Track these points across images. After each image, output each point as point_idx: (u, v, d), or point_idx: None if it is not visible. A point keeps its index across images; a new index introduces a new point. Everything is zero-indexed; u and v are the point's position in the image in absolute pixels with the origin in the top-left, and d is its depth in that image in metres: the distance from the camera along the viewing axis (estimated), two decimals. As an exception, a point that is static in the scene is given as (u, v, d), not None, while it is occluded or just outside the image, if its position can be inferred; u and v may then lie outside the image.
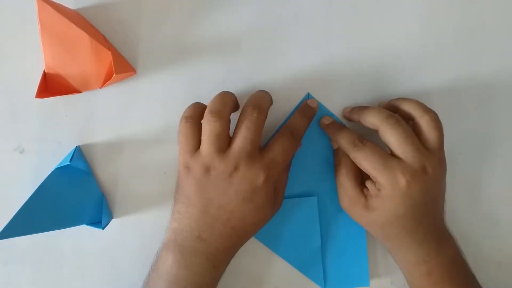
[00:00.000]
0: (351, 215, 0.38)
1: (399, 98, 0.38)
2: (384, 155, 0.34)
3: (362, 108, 0.38)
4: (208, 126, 0.34)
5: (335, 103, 0.41)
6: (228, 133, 0.35)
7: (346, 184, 0.38)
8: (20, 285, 0.41)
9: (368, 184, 0.36)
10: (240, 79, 0.41)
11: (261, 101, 0.36)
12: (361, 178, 0.38)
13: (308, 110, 0.39)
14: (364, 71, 0.41)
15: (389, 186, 0.34)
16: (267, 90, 0.39)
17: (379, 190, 0.35)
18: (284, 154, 0.36)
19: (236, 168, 0.34)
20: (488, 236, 0.41)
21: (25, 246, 0.41)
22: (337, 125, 0.39)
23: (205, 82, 0.41)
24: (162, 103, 0.41)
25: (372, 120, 0.35)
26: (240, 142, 0.34)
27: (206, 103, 0.41)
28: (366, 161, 0.35)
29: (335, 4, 0.41)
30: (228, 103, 0.35)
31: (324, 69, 0.41)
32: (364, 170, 0.35)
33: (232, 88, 0.41)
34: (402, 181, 0.33)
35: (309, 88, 0.41)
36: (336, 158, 0.40)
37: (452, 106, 0.41)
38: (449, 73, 0.41)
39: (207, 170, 0.34)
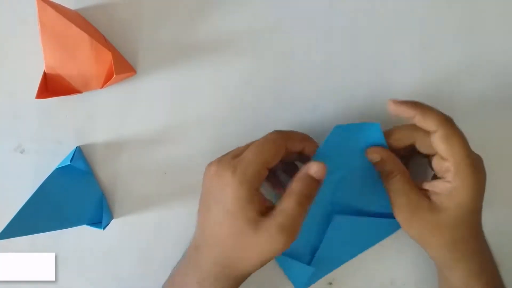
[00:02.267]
0: (412, 226, 0.35)
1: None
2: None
3: (420, 104, 0.34)
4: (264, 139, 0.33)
5: (334, 103, 0.41)
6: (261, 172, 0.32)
7: (407, 189, 0.34)
8: (21, 285, 0.41)
9: (427, 184, 0.35)
10: (239, 79, 0.41)
11: (293, 134, 0.35)
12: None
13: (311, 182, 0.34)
14: (365, 73, 0.41)
15: (471, 177, 0.32)
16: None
17: (451, 182, 0.33)
18: (256, 148, 0.33)
19: (217, 164, 0.33)
20: (488, 236, 0.41)
21: (25, 246, 0.41)
22: (417, 102, 0.34)
23: (205, 82, 0.41)
24: (162, 103, 0.41)
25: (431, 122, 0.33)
26: (248, 152, 0.32)
27: (205, 104, 0.41)
28: (461, 144, 0.32)
29: (335, 4, 0.41)
30: (278, 154, 0.33)
31: (324, 68, 0.41)
32: (444, 153, 0.32)
33: (232, 88, 0.41)
34: (481, 171, 0.33)
35: (309, 87, 0.41)
36: (386, 167, 0.35)
37: (452, 106, 0.41)
38: (449, 73, 0.41)
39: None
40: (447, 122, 0.33)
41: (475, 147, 0.40)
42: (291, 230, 0.31)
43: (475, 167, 0.33)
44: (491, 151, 0.42)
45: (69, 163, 0.38)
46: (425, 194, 0.34)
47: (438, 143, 0.33)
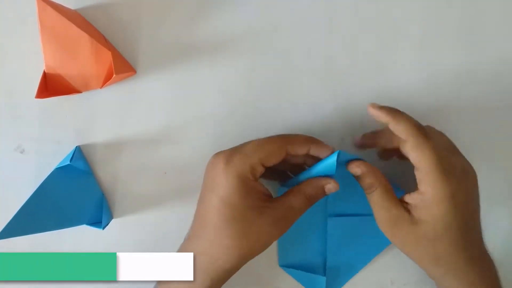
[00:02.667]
0: (395, 239, 0.34)
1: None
2: (443, 152, 0.32)
3: (395, 111, 0.34)
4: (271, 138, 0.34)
5: (334, 103, 0.41)
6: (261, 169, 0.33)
7: (386, 204, 0.34)
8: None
9: (407, 197, 0.34)
10: (240, 79, 0.41)
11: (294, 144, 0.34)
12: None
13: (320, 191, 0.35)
14: (365, 73, 0.41)
15: (440, 188, 0.31)
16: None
17: (423, 193, 0.32)
18: (256, 143, 0.33)
19: (214, 155, 0.34)
20: (488, 236, 0.41)
21: (25, 246, 0.41)
22: (392, 109, 0.34)
23: (205, 82, 0.41)
24: (162, 103, 0.41)
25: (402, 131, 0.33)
26: (250, 143, 0.34)
27: (205, 104, 0.41)
28: (429, 154, 0.31)
29: (335, 4, 0.41)
30: (281, 152, 0.34)
31: (324, 68, 0.41)
32: (415, 163, 0.32)
33: (232, 88, 0.41)
34: (453, 182, 0.31)
35: (309, 87, 0.41)
36: (366, 181, 0.34)
37: (452, 106, 0.41)
38: (449, 74, 0.41)
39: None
40: (418, 131, 0.32)
41: (475, 145, 0.41)
42: (289, 220, 0.34)
43: (449, 177, 0.31)
44: (491, 151, 0.42)
45: (69, 163, 0.38)
46: (406, 207, 0.33)
47: (409, 152, 0.32)
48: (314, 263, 0.41)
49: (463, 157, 0.34)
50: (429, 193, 0.32)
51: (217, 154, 0.34)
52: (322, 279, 0.40)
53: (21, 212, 0.34)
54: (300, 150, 0.35)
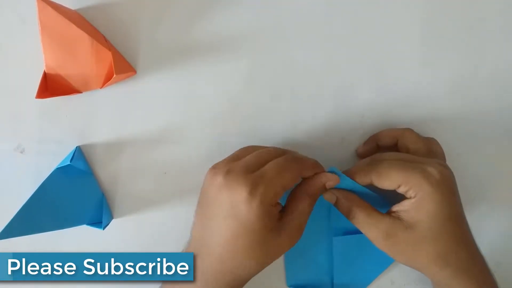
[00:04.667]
0: (395, 252, 0.34)
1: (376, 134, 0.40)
2: (405, 158, 0.34)
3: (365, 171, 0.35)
4: (282, 160, 0.33)
5: (334, 103, 0.41)
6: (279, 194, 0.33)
7: (373, 221, 0.34)
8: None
9: (395, 207, 0.34)
10: (240, 79, 0.41)
11: (305, 162, 0.35)
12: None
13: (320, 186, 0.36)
14: (364, 73, 0.41)
15: (424, 180, 0.32)
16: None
17: (413, 196, 0.33)
18: (277, 171, 0.33)
19: (225, 175, 0.32)
20: (488, 236, 0.41)
21: (25, 246, 0.41)
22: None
23: (205, 82, 0.41)
24: (162, 103, 0.41)
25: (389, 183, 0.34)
26: (268, 167, 0.33)
27: (205, 104, 0.41)
28: (392, 169, 0.33)
29: (335, 4, 0.41)
30: (295, 177, 0.34)
31: (324, 68, 0.41)
32: (390, 186, 0.33)
33: (232, 88, 0.41)
34: (432, 171, 0.33)
35: (309, 87, 0.41)
36: (343, 206, 0.35)
37: (452, 106, 0.41)
38: (449, 73, 0.41)
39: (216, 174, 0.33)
40: (368, 174, 0.34)
41: (475, 147, 0.41)
42: (303, 227, 0.34)
43: (425, 173, 0.33)
44: (491, 151, 0.42)
45: (69, 163, 0.38)
46: (396, 216, 0.34)
47: (377, 182, 0.34)
48: (321, 282, 0.41)
49: (438, 158, 0.35)
50: (418, 193, 0.33)
51: (230, 175, 0.32)
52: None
53: (21, 212, 0.34)
54: (310, 173, 0.35)
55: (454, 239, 0.33)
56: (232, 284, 0.33)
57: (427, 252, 0.33)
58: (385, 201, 0.36)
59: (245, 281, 0.34)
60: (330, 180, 0.35)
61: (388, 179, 0.33)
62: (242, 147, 0.36)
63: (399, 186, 0.33)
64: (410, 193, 0.33)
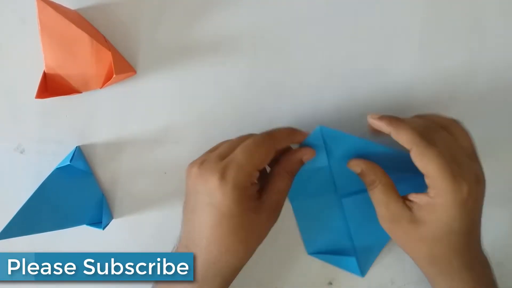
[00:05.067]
0: (394, 235, 0.35)
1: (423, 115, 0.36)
2: (451, 157, 0.32)
3: (395, 121, 0.34)
4: (251, 139, 0.33)
5: (334, 103, 0.41)
6: (254, 173, 0.33)
7: (386, 200, 0.34)
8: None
9: (413, 195, 0.34)
10: (240, 79, 0.41)
11: (279, 133, 0.35)
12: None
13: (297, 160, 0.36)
14: (364, 74, 0.41)
15: (450, 194, 0.31)
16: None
17: (433, 197, 0.32)
18: (246, 151, 0.33)
19: (201, 164, 0.33)
20: (488, 236, 0.41)
21: (25, 246, 0.41)
22: (393, 118, 0.34)
23: (205, 82, 0.41)
24: (162, 103, 0.41)
25: (405, 139, 0.32)
26: (238, 151, 0.33)
27: (206, 104, 0.41)
28: (435, 160, 0.31)
29: (335, 6, 0.41)
30: (269, 153, 0.34)
31: (323, 69, 0.41)
32: (422, 170, 0.32)
33: (232, 88, 0.41)
34: (464, 189, 0.31)
35: (309, 87, 0.41)
36: (367, 178, 0.35)
37: (452, 107, 0.41)
38: (449, 74, 0.41)
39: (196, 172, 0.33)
40: (420, 139, 0.32)
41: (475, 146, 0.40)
42: (281, 204, 0.35)
43: (460, 184, 0.31)
44: (491, 151, 0.42)
45: (69, 163, 0.38)
46: (408, 205, 0.33)
47: (415, 160, 0.32)
48: (343, 246, 0.41)
49: (478, 163, 0.34)
50: (438, 198, 0.32)
51: (203, 165, 0.33)
52: (352, 260, 0.40)
53: (21, 213, 0.34)
54: (286, 143, 0.35)
55: (452, 248, 0.33)
56: (225, 272, 0.34)
57: (421, 250, 0.34)
58: (409, 179, 0.35)
59: (238, 268, 0.34)
60: (305, 154, 0.36)
61: (420, 162, 0.32)
62: None
63: (425, 174, 0.32)
64: (430, 192, 0.32)
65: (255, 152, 0.33)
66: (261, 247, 0.41)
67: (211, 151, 0.35)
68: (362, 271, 0.41)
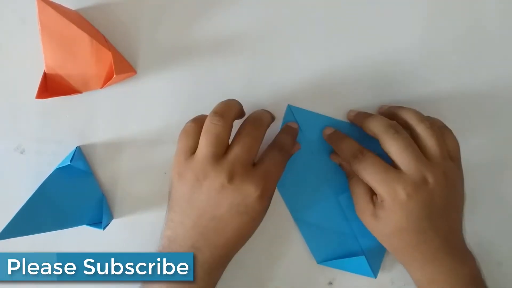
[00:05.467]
0: (364, 223, 0.37)
1: (398, 106, 0.38)
2: (385, 166, 0.34)
3: (364, 115, 0.38)
4: (209, 126, 0.33)
5: (334, 103, 0.41)
6: (228, 139, 0.34)
7: (357, 192, 0.37)
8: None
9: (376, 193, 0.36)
10: (240, 79, 0.41)
11: (262, 115, 0.36)
12: None
13: (290, 130, 0.39)
14: (365, 74, 0.41)
15: (389, 199, 0.34)
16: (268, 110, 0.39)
17: (381, 201, 0.34)
18: (276, 166, 0.35)
19: (230, 179, 0.33)
20: (488, 236, 0.41)
21: (26, 246, 0.41)
22: (339, 135, 0.39)
23: (205, 82, 0.41)
24: (162, 103, 0.41)
25: (372, 128, 0.35)
26: (237, 149, 0.33)
27: (205, 104, 0.41)
28: (366, 172, 0.35)
29: (335, 7, 0.41)
30: (234, 108, 0.35)
31: (323, 70, 0.41)
32: (366, 182, 0.35)
33: (232, 88, 0.41)
34: (402, 193, 0.33)
35: (309, 87, 0.41)
36: (343, 169, 0.40)
37: (452, 106, 0.41)
38: (450, 78, 0.41)
39: (199, 178, 0.33)
40: (382, 133, 0.34)
41: (476, 150, 0.40)
42: (271, 175, 0.35)
43: (391, 190, 0.33)
44: (491, 152, 0.42)
45: (69, 163, 0.38)
46: (374, 200, 0.36)
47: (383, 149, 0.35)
48: (349, 247, 0.41)
49: (442, 163, 0.34)
50: (384, 199, 0.34)
51: (247, 175, 0.33)
52: (362, 259, 0.40)
53: (22, 213, 0.34)
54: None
55: (407, 242, 0.35)
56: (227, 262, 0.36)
57: (384, 242, 0.36)
58: None
59: (242, 241, 0.36)
60: (291, 124, 0.40)
61: (366, 178, 0.35)
62: None
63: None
64: (378, 198, 0.35)
65: (253, 147, 0.34)
66: (261, 247, 0.41)
67: (186, 153, 0.34)
68: (374, 271, 0.40)
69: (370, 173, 0.34)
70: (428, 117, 0.37)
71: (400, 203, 0.33)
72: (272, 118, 0.38)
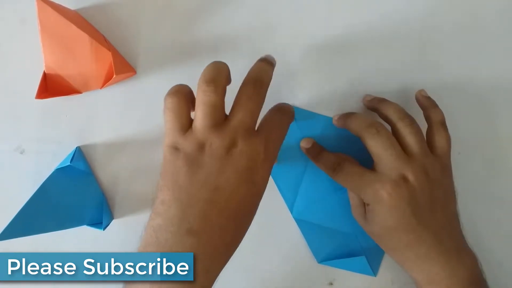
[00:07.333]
0: (359, 224, 0.38)
1: (380, 99, 0.38)
2: (359, 172, 0.35)
3: (347, 115, 0.38)
4: (204, 96, 0.31)
5: (334, 104, 0.41)
6: (224, 105, 0.32)
7: (350, 196, 0.38)
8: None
9: None
10: (240, 79, 0.41)
11: (262, 74, 0.33)
12: None
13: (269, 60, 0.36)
14: (365, 71, 0.41)
15: (371, 200, 0.34)
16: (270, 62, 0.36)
17: (367, 204, 0.35)
18: (280, 129, 0.33)
19: (234, 143, 0.30)
20: (488, 236, 0.41)
21: (26, 247, 0.41)
22: (316, 149, 0.39)
23: (205, 82, 0.41)
24: (162, 103, 0.41)
25: (354, 128, 0.36)
26: (240, 114, 0.31)
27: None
28: (345, 183, 0.36)
29: (335, 4, 0.41)
30: (223, 72, 0.32)
31: (322, 68, 0.41)
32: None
33: (231, 88, 0.41)
34: (382, 193, 0.34)
35: (309, 87, 0.41)
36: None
37: (452, 105, 0.41)
38: (449, 72, 0.41)
39: (201, 146, 0.30)
40: (362, 132, 0.35)
41: (475, 146, 0.40)
42: (274, 139, 0.33)
43: (371, 192, 0.34)
44: (492, 151, 0.42)
45: (69, 163, 0.38)
46: (364, 201, 0.36)
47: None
48: (349, 246, 0.41)
49: (415, 161, 0.34)
50: (368, 203, 0.35)
51: (252, 138, 0.31)
52: (362, 259, 0.40)
53: (22, 213, 0.34)
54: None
55: (403, 244, 0.35)
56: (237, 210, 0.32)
57: (377, 242, 0.37)
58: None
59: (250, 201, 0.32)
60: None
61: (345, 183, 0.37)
62: None
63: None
64: (362, 194, 0.36)
65: (256, 110, 0.32)
66: (261, 247, 0.41)
67: (183, 128, 0.32)
68: (374, 270, 0.41)
69: (348, 182, 0.36)
70: (433, 105, 0.37)
71: (382, 202, 0.34)
72: (273, 66, 0.35)
